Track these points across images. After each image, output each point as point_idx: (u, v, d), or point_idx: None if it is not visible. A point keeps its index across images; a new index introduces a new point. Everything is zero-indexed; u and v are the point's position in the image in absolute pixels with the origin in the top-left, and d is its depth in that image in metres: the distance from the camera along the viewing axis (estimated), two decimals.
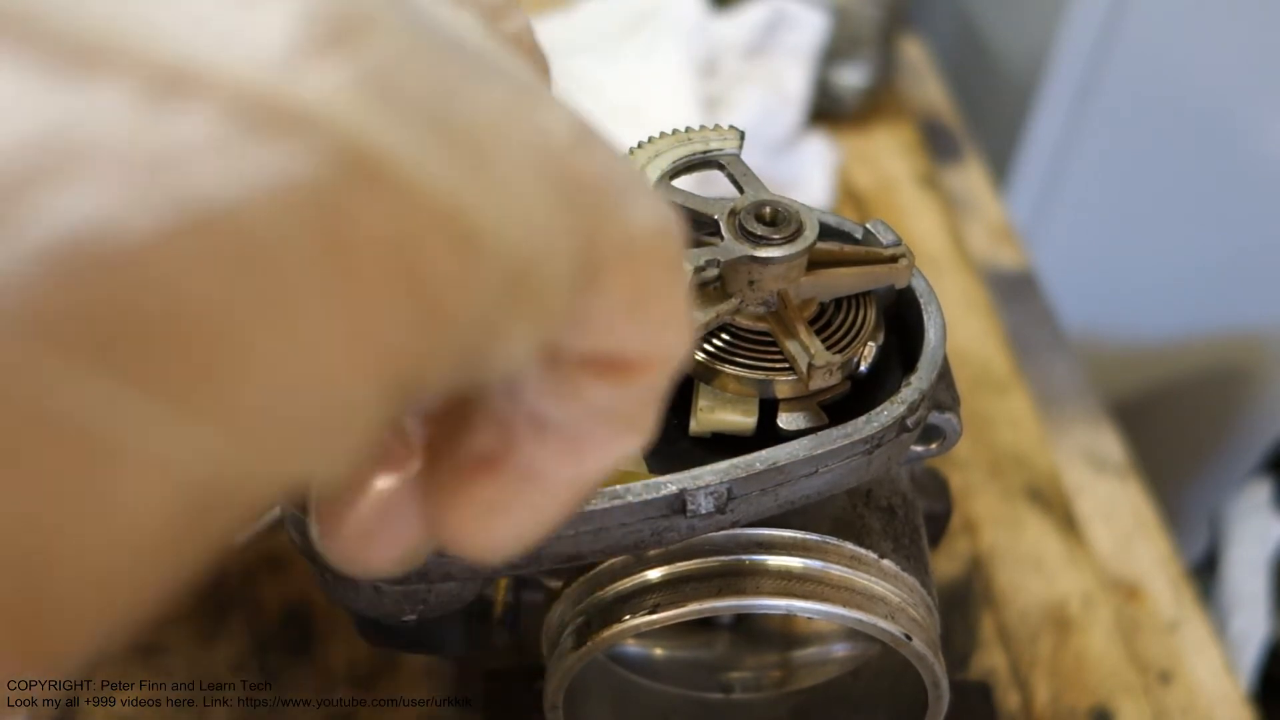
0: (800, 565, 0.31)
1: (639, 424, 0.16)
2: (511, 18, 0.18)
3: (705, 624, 0.41)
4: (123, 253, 0.09)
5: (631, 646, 0.40)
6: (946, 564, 0.53)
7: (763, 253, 0.28)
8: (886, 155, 0.79)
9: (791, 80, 0.74)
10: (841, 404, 0.30)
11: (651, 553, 0.31)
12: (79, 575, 0.10)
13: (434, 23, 0.13)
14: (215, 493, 0.10)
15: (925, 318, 0.31)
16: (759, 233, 0.28)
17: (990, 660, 0.49)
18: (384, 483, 0.16)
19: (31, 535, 0.09)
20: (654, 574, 0.31)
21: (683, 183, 0.31)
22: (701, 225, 0.30)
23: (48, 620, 0.10)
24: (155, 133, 0.10)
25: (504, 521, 0.16)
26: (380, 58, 0.11)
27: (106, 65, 0.10)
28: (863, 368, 0.30)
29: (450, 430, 0.16)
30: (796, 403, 0.30)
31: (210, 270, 0.10)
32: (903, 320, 0.32)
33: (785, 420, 0.29)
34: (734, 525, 0.29)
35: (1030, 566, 0.53)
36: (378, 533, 0.16)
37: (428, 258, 0.11)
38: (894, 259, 0.31)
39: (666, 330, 0.16)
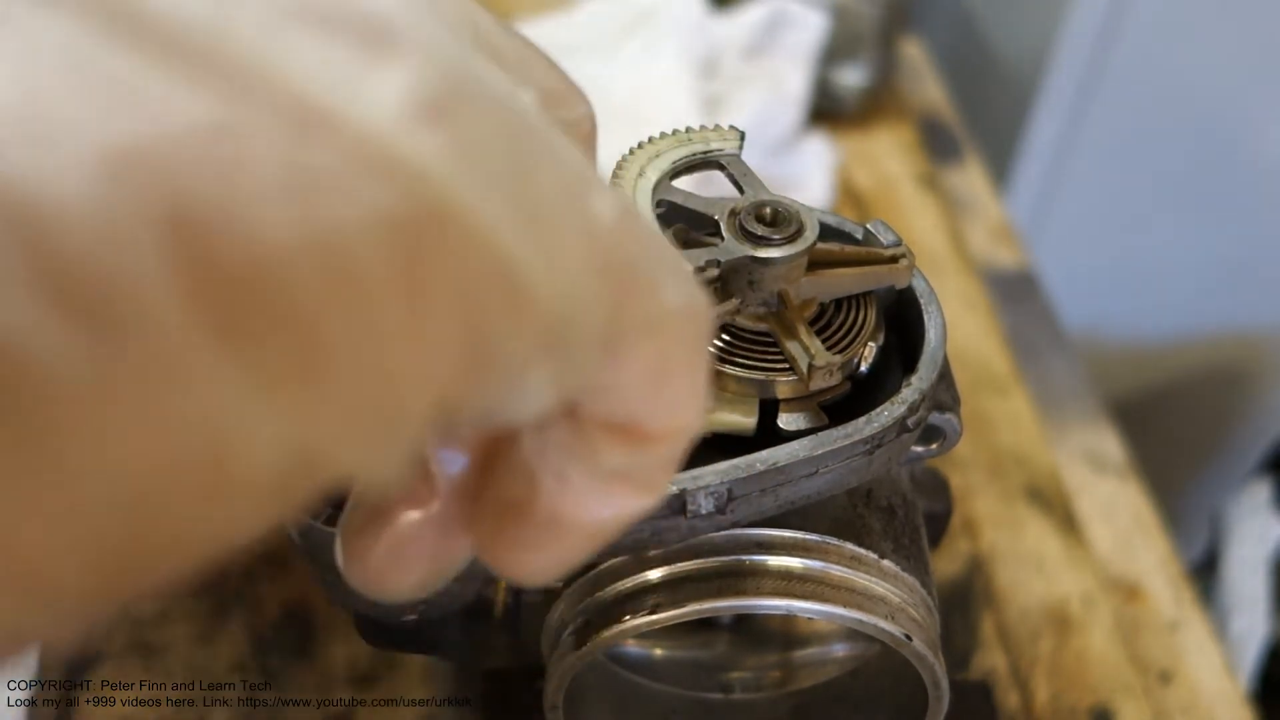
0: (800, 565, 0.31)
1: (652, 486, 0.18)
2: (572, 105, 0.21)
3: (705, 624, 0.41)
4: (265, 255, 0.11)
5: (631, 646, 0.40)
6: (946, 564, 0.53)
7: (763, 253, 0.28)
8: (886, 155, 0.79)
9: (791, 80, 0.74)
10: (842, 404, 0.30)
11: (651, 553, 0.31)
12: (187, 514, 0.11)
13: (513, 107, 0.15)
14: (299, 465, 0.12)
15: (925, 318, 0.31)
16: (759, 233, 0.28)
17: (990, 660, 0.49)
18: (406, 518, 0.18)
19: (153, 473, 0.11)
20: (654, 574, 0.31)
21: (683, 183, 0.31)
22: (701, 225, 0.30)
23: (150, 548, 0.11)
24: (295, 157, 0.12)
25: (532, 557, 0.18)
26: (472, 132, 0.13)
27: (258, 91, 0.12)
28: (863, 368, 0.30)
29: (489, 471, 0.18)
30: (797, 403, 0.30)
31: (321, 281, 0.12)
32: (903, 320, 0.32)
33: (785, 420, 0.29)
34: (734, 525, 0.29)
35: (1030, 566, 0.53)
36: (398, 562, 0.18)
37: (483, 301, 0.13)
38: (894, 259, 0.31)
39: (683, 405, 0.18)
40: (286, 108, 0.12)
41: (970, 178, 0.78)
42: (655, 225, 0.18)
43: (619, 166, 0.30)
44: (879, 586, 0.31)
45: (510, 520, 0.18)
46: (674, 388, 0.17)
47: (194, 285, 0.11)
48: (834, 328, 0.30)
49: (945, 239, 0.73)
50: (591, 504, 0.18)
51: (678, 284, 0.17)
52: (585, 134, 0.23)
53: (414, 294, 0.12)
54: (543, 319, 0.14)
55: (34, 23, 0.11)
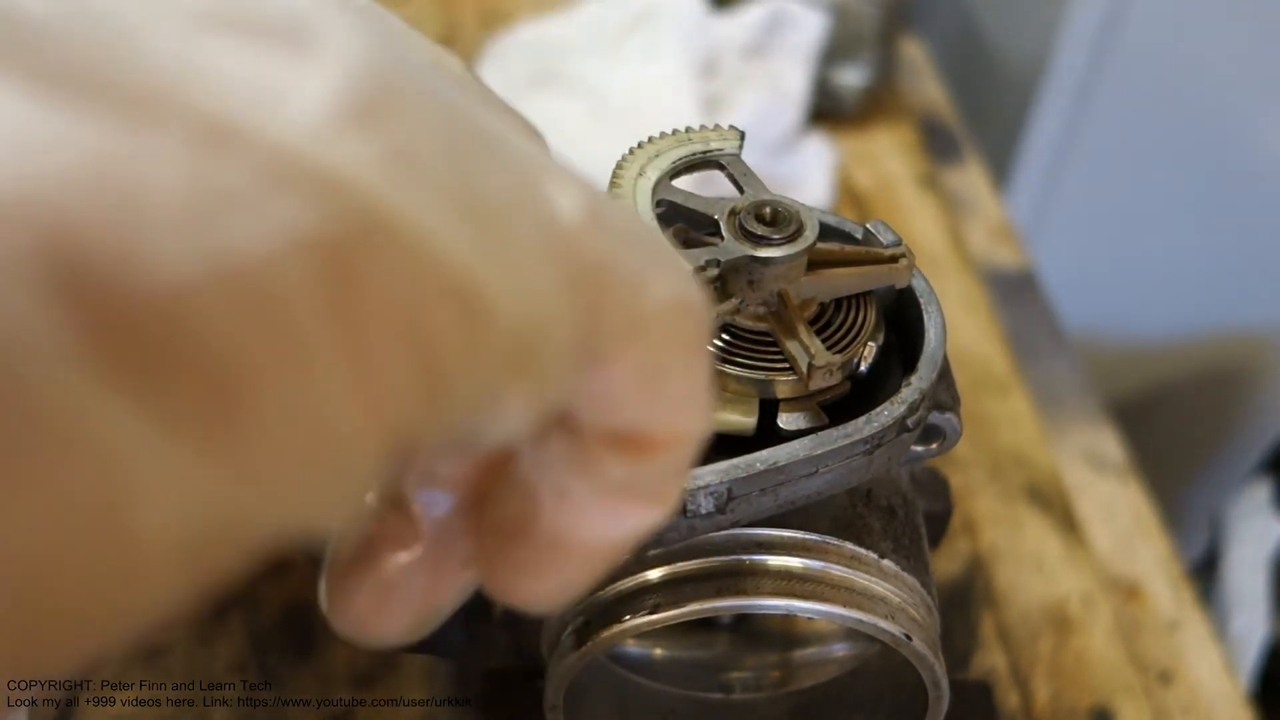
0: (800, 565, 0.31)
1: (660, 498, 0.17)
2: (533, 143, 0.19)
3: (705, 624, 0.41)
4: (165, 291, 0.10)
5: (631, 646, 0.40)
6: (946, 564, 0.53)
7: (763, 253, 0.28)
8: (886, 155, 0.79)
9: (791, 80, 0.74)
10: (841, 404, 0.30)
11: (651, 553, 0.31)
12: (82, 592, 0.10)
13: (455, 100, 0.14)
14: (217, 528, 0.11)
15: (925, 318, 0.31)
16: (759, 233, 0.28)
17: (990, 660, 0.49)
18: (392, 561, 0.17)
19: (41, 546, 0.10)
20: (654, 574, 0.31)
21: (683, 183, 0.31)
22: (701, 225, 0.30)
23: (44, 631, 0.10)
24: (200, 181, 0.11)
25: (536, 581, 0.17)
26: (406, 133, 0.12)
27: (158, 113, 0.11)
28: (863, 368, 0.30)
29: (488, 491, 0.17)
30: (796, 403, 0.30)
31: (234, 316, 0.10)
32: (903, 320, 0.32)
33: (785, 420, 0.29)
34: (734, 525, 0.29)
35: (1030, 566, 0.53)
36: (384, 606, 0.17)
37: (434, 322, 0.12)
38: (894, 259, 0.31)
39: (684, 407, 0.16)
40: (190, 127, 0.11)
41: (970, 178, 0.78)
42: (638, 214, 0.16)
43: (619, 166, 0.30)
44: (879, 586, 0.31)
45: (511, 543, 0.17)
46: (670, 390, 0.16)
47: (82, 332, 0.10)
48: (834, 327, 0.30)
49: (945, 239, 0.73)
50: (597, 521, 0.16)
51: (663, 278, 0.15)
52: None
53: (347, 321, 0.11)
54: (505, 336, 0.13)
55: None
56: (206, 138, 0.11)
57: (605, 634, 0.31)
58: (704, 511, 0.28)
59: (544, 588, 0.17)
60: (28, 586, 0.10)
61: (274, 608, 0.48)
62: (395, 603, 0.17)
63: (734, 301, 0.29)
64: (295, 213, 0.11)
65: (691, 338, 0.16)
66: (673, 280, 0.16)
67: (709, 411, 0.17)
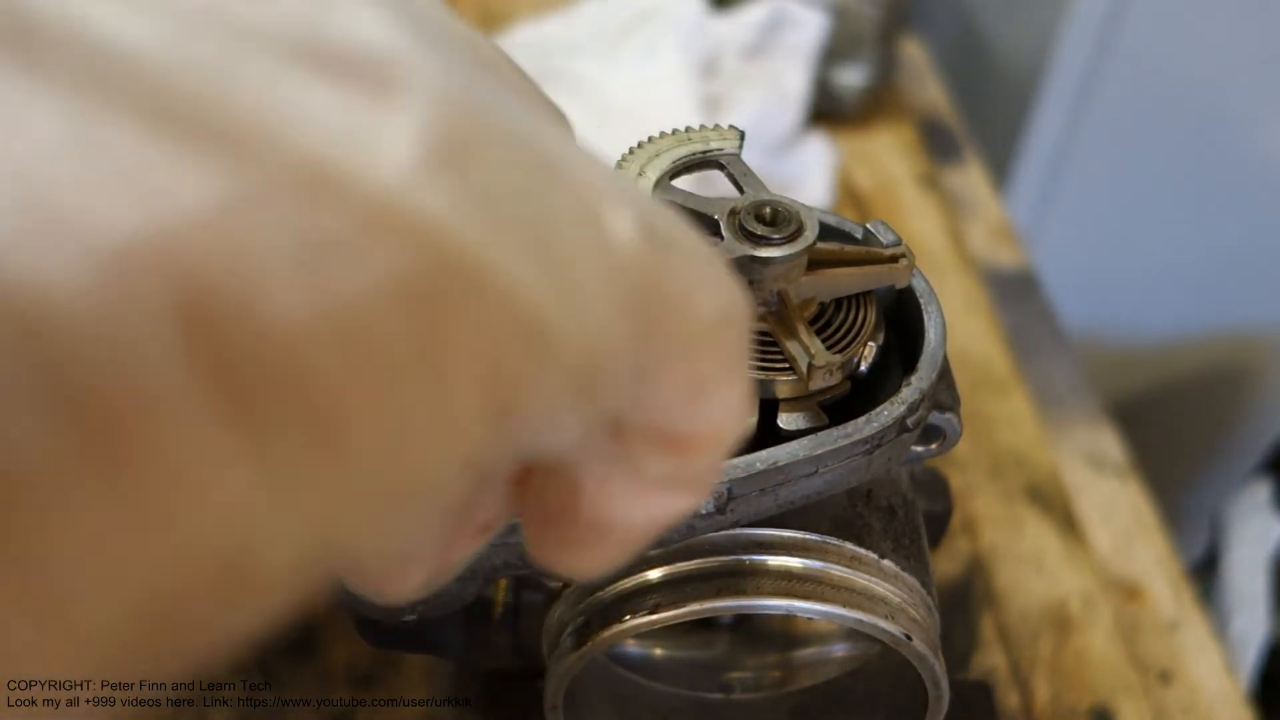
0: (800, 565, 0.31)
1: (696, 489, 0.18)
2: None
3: (705, 624, 0.41)
4: (281, 337, 0.11)
5: (631, 646, 0.40)
6: (946, 564, 0.53)
7: (763, 253, 0.28)
8: (886, 155, 0.79)
9: (791, 80, 0.74)
10: (841, 404, 0.30)
11: (651, 553, 0.30)
12: (203, 614, 0.11)
13: (524, 135, 0.14)
14: (319, 553, 0.12)
15: (925, 318, 0.31)
16: (759, 233, 0.28)
17: (990, 660, 0.49)
18: None
19: (174, 579, 0.11)
20: (654, 574, 0.31)
21: (683, 183, 0.31)
22: (701, 225, 0.30)
23: (168, 642, 0.11)
24: (309, 225, 0.11)
25: (580, 556, 0.18)
26: (485, 174, 0.13)
27: (264, 156, 0.11)
28: (863, 368, 0.30)
29: (531, 475, 0.18)
30: (796, 403, 0.30)
31: (339, 358, 0.11)
32: (903, 320, 0.32)
33: (785, 420, 0.29)
34: (734, 525, 0.29)
35: (1030, 566, 0.53)
36: (398, 569, 0.18)
37: (508, 356, 0.13)
38: (894, 259, 0.31)
39: (724, 413, 0.17)
40: (294, 172, 0.11)
41: (970, 178, 0.78)
42: (681, 220, 0.17)
43: (619, 166, 0.30)
44: (879, 586, 0.31)
45: (554, 522, 0.17)
46: (714, 398, 0.17)
47: (208, 379, 0.10)
48: (834, 327, 0.30)
49: (945, 239, 0.73)
50: (635, 508, 0.17)
51: (711, 292, 0.16)
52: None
53: (435, 359, 0.12)
54: (569, 365, 0.13)
55: (19, 94, 0.10)
56: (310, 182, 0.11)
57: (605, 634, 0.31)
58: (704, 511, 0.28)
59: (584, 563, 0.18)
60: (149, 609, 0.11)
61: None
62: (408, 564, 0.18)
63: None
64: (391, 257, 0.11)
65: (735, 348, 0.17)
66: (720, 291, 0.16)
67: (749, 413, 0.18)
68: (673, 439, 0.17)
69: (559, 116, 0.19)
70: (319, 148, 0.11)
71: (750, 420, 0.30)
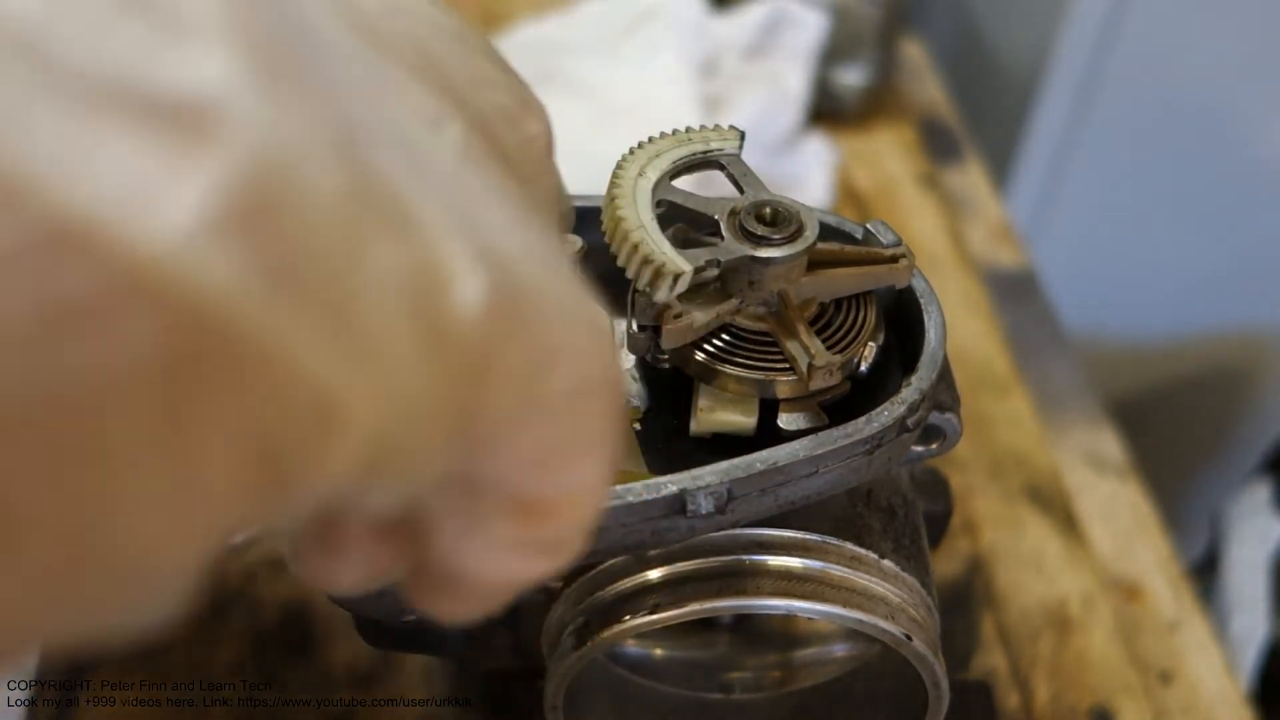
0: (800, 565, 0.31)
1: (554, 555, 0.17)
2: (525, 124, 0.19)
3: (705, 624, 0.41)
4: None
5: (631, 646, 0.40)
6: (946, 564, 0.53)
7: (763, 253, 0.28)
8: (886, 155, 0.79)
9: (791, 80, 0.74)
10: (841, 404, 0.30)
11: (651, 553, 0.30)
12: None
13: (376, 181, 0.13)
14: (16, 629, 0.11)
15: (925, 318, 0.31)
16: (759, 233, 0.28)
17: (990, 660, 0.49)
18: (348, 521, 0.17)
19: None
20: (654, 574, 0.31)
21: (683, 183, 0.31)
22: (701, 225, 0.30)
23: None
24: (45, 292, 0.10)
25: (442, 603, 0.17)
26: (286, 239, 0.12)
27: (12, 208, 0.10)
28: (863, 368, 0.30)
29: (405, 521, 0.17)
30: (797, 403, 0.30)
31: (42, 445, 0.10)
32: (903, 320, 0.32)
33: (785, 420, 0.29)
34: (734, 525, 0.29)
35: (1030, 566, 0.53)
36: (342, 563, 0.17)
37: (280, 436, 0.12)
38: (894, 259, 0.31)
39: (578, 484, 0.16)
40: (49, 230, 0.10)
41: (970, 178, 0.78)
42: (572, 278, 0.16)
43: (619, 166, 0.30)
44: (879, 586, 0.31)
45: (419, 568, 0.17)
46: (569, 469, 0.16)
47: None
48: (834, 328, 0.30)
49: (945, 239, 0.73)
50: (489, 566, 0.17)
51: (572, 361, 0.15)
52: (539, 152, 0.21)
53: (178, 434, 0.11)
54: (359, 440, 0.13)
55: None
56: (63, 243, 0.10)
57: (605, 634, 0.31)
58: (704, 511, 0.28)
59: (448, 611, 0.18)
60: None
61: (274, 608, 0.48)
62: (348, 559, 0.17)
63: (734, 301, 0.29)
64: (135, 330, 0.10)
65: (593, 420, 0.16)
66: (582, 363, 0.15)
67: (610, 482, 0.17)
68: (523, 506, 0.16)
69: (527, 100, 0.18)
70: (91, 204, 0.10)
71: (750, 421, 0.30)
